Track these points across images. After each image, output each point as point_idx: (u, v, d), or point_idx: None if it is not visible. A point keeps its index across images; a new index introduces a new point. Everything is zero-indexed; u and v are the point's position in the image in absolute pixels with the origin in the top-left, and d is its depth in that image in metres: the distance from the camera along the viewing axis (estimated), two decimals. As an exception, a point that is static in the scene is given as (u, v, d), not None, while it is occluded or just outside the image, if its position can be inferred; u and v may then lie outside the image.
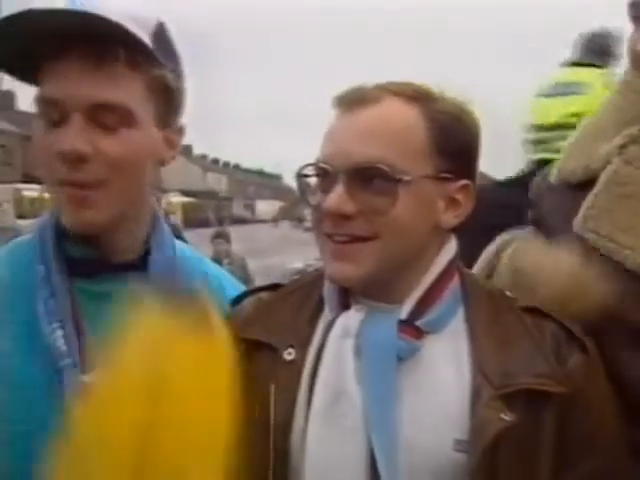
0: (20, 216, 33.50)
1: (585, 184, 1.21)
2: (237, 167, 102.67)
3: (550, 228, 1.26)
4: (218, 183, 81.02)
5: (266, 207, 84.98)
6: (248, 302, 1.19)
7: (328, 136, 1.07)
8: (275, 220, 62.35)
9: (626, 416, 1.07)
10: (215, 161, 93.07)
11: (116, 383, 0.95)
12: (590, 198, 1.18)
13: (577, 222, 1.19)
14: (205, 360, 0.96)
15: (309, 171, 1.08)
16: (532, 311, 1.08)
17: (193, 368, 0.96)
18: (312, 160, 1.08)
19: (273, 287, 1.20)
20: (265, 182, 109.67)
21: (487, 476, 0.97)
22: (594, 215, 1.17)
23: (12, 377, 1.08)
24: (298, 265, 9.46)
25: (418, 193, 1.02)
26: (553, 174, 1.30)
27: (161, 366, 0.94)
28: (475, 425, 0.98)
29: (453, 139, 1.05)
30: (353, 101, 1.05)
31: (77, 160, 1.05)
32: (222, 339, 0.99)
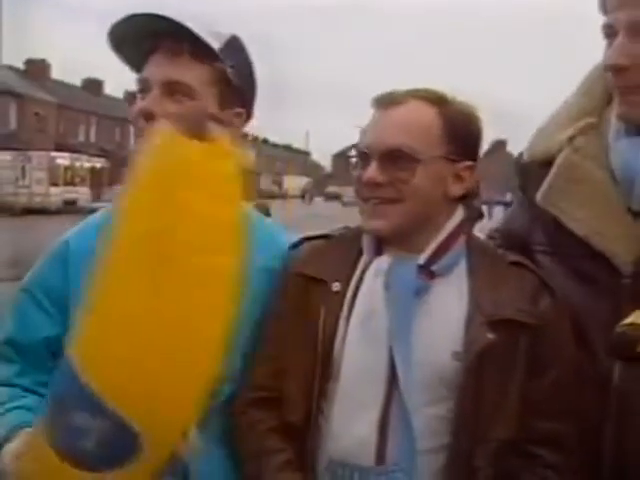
0: (53, 183, 34.07)
1: (546, 164, 1.56)
2: (265, 142, 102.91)
3: (529, 195, 1.62)
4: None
5: (294, 182, 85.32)
6: (304, 247, 1.56)
7: (368, 128, 1.47)
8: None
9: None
10: (243, 136, 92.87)
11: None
12: (548, 178, 1.54)
13: (539, 197, 1.54)
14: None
15: (352, 153, 1.49)
16: (517, 264, 1.47)
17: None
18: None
19: (324, 237, 1.58)
20: (293, 157, 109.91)
21: (475, 378, 1.36)
22: (552, 193, 1.53)
23: None
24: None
25: (431, 169, 1.41)
26: (525, 153, 1.65)
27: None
28: (468, 340, 1.37)
29: (461, 132, 1.44)
30: (386, 102, 1.45)
31: (148, 117, 1.47)
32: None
